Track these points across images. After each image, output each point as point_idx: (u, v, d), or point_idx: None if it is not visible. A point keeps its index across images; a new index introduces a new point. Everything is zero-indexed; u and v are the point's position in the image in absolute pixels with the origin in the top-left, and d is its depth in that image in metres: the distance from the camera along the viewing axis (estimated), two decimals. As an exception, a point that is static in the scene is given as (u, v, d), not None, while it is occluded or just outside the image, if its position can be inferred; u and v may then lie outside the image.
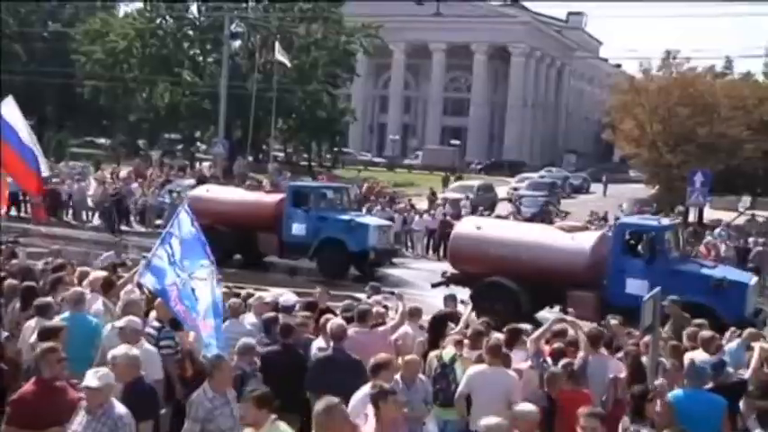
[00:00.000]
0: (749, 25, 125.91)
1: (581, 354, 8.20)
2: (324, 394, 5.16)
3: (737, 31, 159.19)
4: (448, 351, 8.00)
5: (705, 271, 15.88)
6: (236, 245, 21.42)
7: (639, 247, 15.76)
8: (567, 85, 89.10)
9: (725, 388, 7.43)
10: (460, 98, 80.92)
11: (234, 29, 45.51)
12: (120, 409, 5.50)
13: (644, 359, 8.20)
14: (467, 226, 17.73)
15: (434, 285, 17.11)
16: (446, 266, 18.01)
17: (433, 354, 8.18)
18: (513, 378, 7.53)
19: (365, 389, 6.11)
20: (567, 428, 6.34)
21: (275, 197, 22.35)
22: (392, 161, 64.59)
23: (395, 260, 23.04)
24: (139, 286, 8.80)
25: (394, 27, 61.71)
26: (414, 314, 9.11)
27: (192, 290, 7.30)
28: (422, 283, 19.59)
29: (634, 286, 14.96)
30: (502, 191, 42.93)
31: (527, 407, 5.90)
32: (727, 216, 36.94)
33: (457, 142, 71.55)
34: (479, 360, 7.76)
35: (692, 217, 33.13)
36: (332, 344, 7.69)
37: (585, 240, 16.21)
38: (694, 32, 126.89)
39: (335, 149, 55.25)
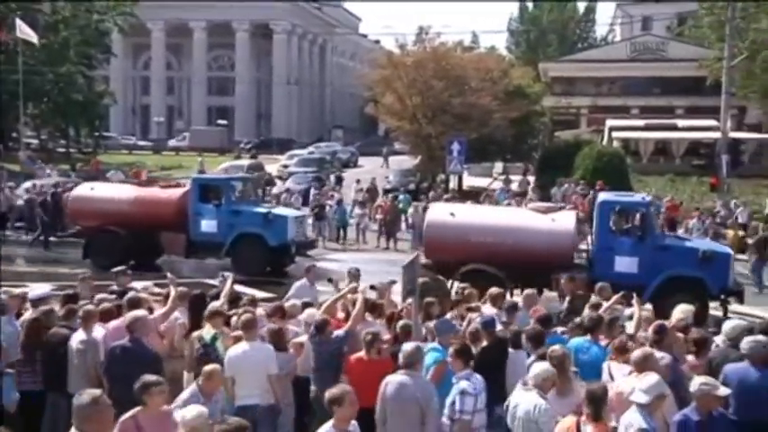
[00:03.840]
0: (492, 4, 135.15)
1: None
2: (118, 384, 4.96)
3: (482, 9, 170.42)
4: (208, 330, 7.98)
5: (690, 244, 16.13)
6: (134, 247, 19.47)
7: (629, 225, 15.62)
8: (331, 62, 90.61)
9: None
10: (225, 77, 79.57)
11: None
12: None
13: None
14: (439, 213, 16.72)
15: None
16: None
17: (194, 334, 8.14)
18: (269, 349, 7.73)
19: None
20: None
21: (175, 192, 20.50)
22: (158, 144, 62.48)
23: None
24: None
25: (151, 5, 59.30)
26: (182, 297, 8.94)
27: None
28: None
29: (623, 264, 14.98)
30: (272, 169, 43.03)
31: None
32: (484, 182, 39.87)
33: (224, 122, 70.52)
34: (238, 339, 7.87)
35: (452, 184, 35.29)
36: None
37: (567, 221, 15.92)
38: (443, 9, 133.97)
39: (96, 134, 52.25)
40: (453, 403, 6.71)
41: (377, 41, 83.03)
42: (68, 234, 22.46)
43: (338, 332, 8.26)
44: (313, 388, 8.06)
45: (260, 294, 13.61)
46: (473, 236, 15.52)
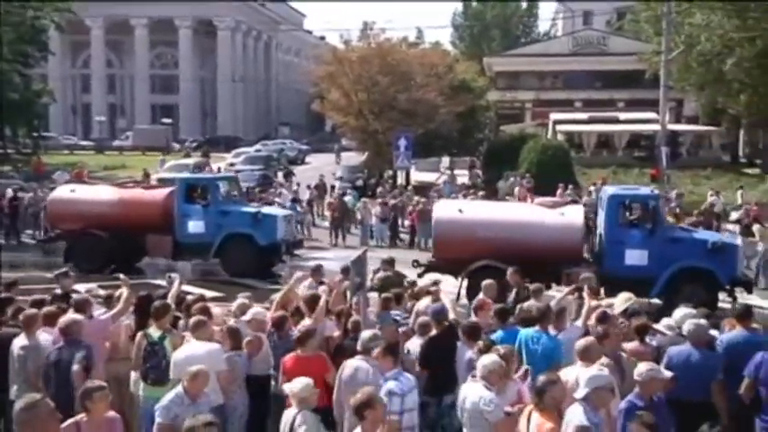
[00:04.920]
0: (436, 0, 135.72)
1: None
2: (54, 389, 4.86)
3: (426, 4, 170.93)
4: (155, 329, 7.89)
5: (699, 236, 16.03)
6: (118, 250, 18.90)
7: (639, 218, 15.57)
8: (276, 59, 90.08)
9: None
10: (168, 75, 78.52)
11: None
12: None
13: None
14: (447, 210, 16.36)
15: (420, 275, 15.35)
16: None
17: (140, 333, 8.03)
18: (215, 347, 7.68)
19: None
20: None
21: (159, 193, 19.89)
22: (100, 143, 61.28)
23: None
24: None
25: (90, 1, 58.01)
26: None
27: None
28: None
29: (634, 257, 14.89)
30: (217, 167, 42.53)
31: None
32: (431, 177, 40.08)
33: (169, 120, 69.55)
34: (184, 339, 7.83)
35: (400, 179, 35.42)
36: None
37: (576, 215, 15.84)
38: (388, 5, 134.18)
39: (35, 134, 50.99)
40: None
41: (322, 38, 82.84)
42: (48, 239, 21.91)
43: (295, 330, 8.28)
44: (274, 384, 8.08)
45: (209, 294, 13.50)
46: (482, 232, 15.25)
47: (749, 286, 15.27)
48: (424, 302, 9.73)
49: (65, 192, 20.61)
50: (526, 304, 9.38)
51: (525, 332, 8.19)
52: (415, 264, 16.24)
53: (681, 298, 12.58)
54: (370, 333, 7.27)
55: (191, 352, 7.47)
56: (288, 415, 6.23)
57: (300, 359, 7.49)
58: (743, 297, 15.06)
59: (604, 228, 15.42)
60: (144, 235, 19.10)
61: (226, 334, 7.95)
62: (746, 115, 46.39)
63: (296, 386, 6.09)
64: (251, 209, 19.97)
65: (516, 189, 28.57)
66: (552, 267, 14.74)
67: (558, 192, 25.55)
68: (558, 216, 15.56)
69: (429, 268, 15.83)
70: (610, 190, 16.77)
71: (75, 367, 7.02)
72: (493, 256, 14.70)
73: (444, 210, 16.46)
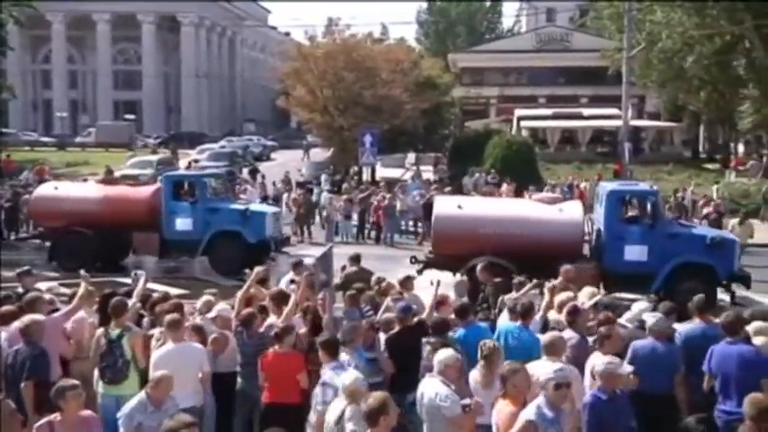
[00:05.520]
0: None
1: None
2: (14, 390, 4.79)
3: (391, 1, 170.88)
4: (113, 327, 7.80)
5: (697, 231, 16.14)
6: (104, 248, 18.54)
7: (639, 214, 15.56)
8: (241, 54, 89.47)
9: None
10: (131, 70, 77.59)
11: None
12: None
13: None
14: (447, 206, 16.13)
15: (419, 272, 15.19)
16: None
17: (99, 331, 7.93)
18: (198, 348, 7.69)
19: None
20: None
21: (145, 190, 19.56)
22: (62, 140, 60.29)
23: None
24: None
25: (50, -2, 57.13)
26: (88, 297, 8.70)
27: None
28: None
29: (633, 253, 14.84)
30: (183, 163, 42.18)
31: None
32: (396, 173, 40.17)
33: (132, 117, 68.72)
34: (149, 337, 7.81)
35: (366, 176, 35.47)
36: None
37: (575, 212, 15.75)
38: (353, 1, 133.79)
39: (-6, 131, 50.18)
40: (316, 394, 6.82)
41: (287, 33, 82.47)
42: (30, 236, 21.52)
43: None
44: (240, 381, 8.07)
45: (174, 291, 13.40)
46: (482, 228, 15.08)
47: (747, 281, 15.23)
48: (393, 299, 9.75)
49: (48, 189, 20.22)
50: (507, 297, 9.47)
51: (506, 327, 8.24)
52: (413, 260, 16.03)
53: (680, 293, 12.96)
54: (351, 324, 7.65)
55: (170, 352, 7.42)
56: (336, 407, 6.11)
57: (278, 356, 7.49)
58: (741, 292, 15.26)
59: (604, 223, 15.37)
60: (130, 232, 18.88)
61: (191, 331, 7.91)
62: (706, 112, 47.26)
63: (347, 380, 6.04)
64: (239, 206, 19.66)
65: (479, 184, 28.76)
66: (552, 263, 14.54)
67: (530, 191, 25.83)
68: (558, 212, 15.51)
69: (427, 265, 15.70)
70: (609, 186, 16.75)
71: (23, 384, 6.95)
72: (492, 253, 14.51)
73: (444, 206, 16.29)
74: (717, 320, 8.34)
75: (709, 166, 45.56)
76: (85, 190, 20.08)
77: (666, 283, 14.73)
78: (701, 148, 54.29)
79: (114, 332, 7.77)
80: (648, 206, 15.49)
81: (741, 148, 50.23)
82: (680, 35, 37.51)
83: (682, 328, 8.28)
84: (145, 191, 19.84)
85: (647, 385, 7.11)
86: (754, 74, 36.53)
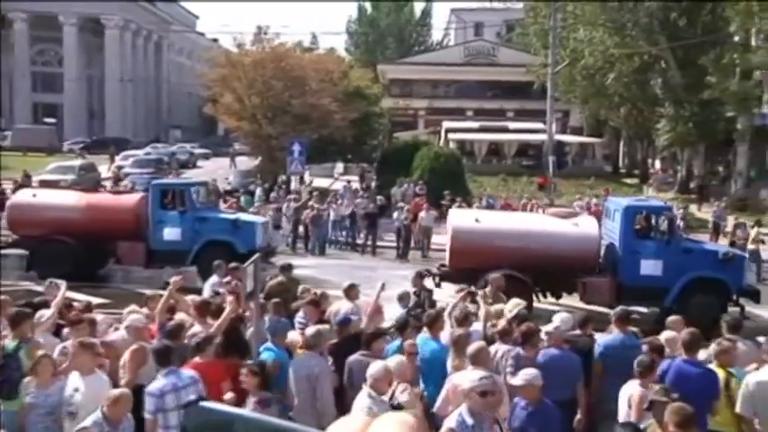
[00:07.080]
0: (331, 5, 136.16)
1: None
2: None
3: (321, 10, 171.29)
4: (10, 341, 7.47)
5: (709, 247, 16.47)
6: (87, 257, 17.85)
7: (654, 229, 15.71)
8: (167, 60, 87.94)
9: None
10: (52, 73, 75.28)
11: None
12: None
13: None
14: (464, 220, 16.20)
15: (437, 285, 15.26)
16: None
17: None
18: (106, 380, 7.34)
19: None
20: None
21: (130, 198, 18.74)
22: (-24, 144, 58.01)
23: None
24: None
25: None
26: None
27: None
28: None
29: (649, 267, 15.11)
30: (106, 170, 41.21)
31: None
32: (325, 182, 40.13)
33: (52, 120, 66.76)
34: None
35: (294, 185, 35.27)
36: None
37: (590, 226, 15.95)
38: (282, 9, 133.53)
39: None
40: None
41: (215, 40, 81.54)
42: (6, 245, 20.55)
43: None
44: None
45: (96, 301, 13.07)
46: (500, 242, 15.30)
47: (757, 296, 15.53)
48: (340, 308, 9.70)
49: (26, 197, 19.47)
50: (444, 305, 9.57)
51: (420, 338, 8.29)
52: (427, 273, 15.42)
53: (692, 307, 13.65)
54: (315, 330, 7.80)
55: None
56: (361, 401, 6.39)
57: (199, 366, 7.33)
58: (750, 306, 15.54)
59: (620, 238, 15.61)
60: (114, 242, 18.31)
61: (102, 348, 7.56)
62: (626, 128, 48.88)
63: (372, 370, 6.43)
64: (229, 215, 19.32)
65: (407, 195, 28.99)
66: (568, 276, 15.23)
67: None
68: (574, 227, 15.84)
69: (443, 278, 15.76)
70: (624, 201, 17.02)
71: None
72: (509, 266, 14.68)
73: (461, 219, 16.38)
74: (635, 329, 8.65)
75: (629, 180, 47.04)
76: (64, 198, 19.23)
77: (679, 297, 15.09)
78: (620, 163, 55.99)
79: (11, 344, 7.37)
80: (664, 222, 15.80)
81: (658, 163, 52.05)
82: (602, 53, 38.79)
83: (602, 339, 8.53)
84: (130, 199, 19.22)
85: (551, 392, 7.14)
86: (669, 93, 37.99)
